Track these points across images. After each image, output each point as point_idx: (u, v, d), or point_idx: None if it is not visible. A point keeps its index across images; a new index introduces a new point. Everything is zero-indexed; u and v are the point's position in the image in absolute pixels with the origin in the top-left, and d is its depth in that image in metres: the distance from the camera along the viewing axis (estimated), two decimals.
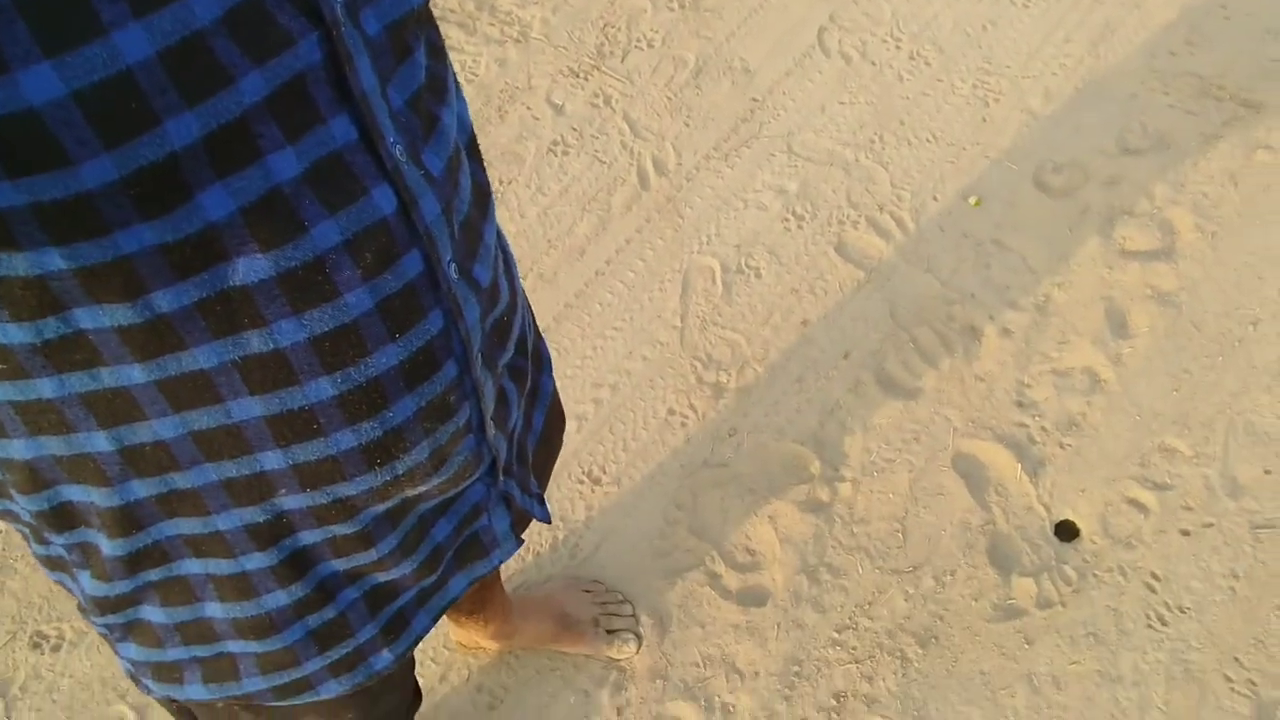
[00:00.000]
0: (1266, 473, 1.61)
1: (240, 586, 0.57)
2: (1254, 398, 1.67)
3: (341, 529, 0.57)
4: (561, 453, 1.78)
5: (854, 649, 1.57)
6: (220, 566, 0.56)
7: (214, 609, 0.58)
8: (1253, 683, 1.50)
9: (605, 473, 1.80)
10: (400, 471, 0.55)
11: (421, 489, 0.59)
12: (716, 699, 1.57)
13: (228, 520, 0.53)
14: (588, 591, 1.64)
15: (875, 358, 1.82)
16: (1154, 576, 1.57)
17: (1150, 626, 1.54)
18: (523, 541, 0.86)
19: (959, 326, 1.84)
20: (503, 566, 1.23)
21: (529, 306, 0.81)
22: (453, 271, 0.52)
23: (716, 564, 1.68)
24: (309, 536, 0.56)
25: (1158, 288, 1.81)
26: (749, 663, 1.59)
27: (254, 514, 0.53)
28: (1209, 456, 1.64)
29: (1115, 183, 1.93)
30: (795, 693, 1.56)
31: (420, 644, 0.89)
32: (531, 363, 0.76)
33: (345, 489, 0.54)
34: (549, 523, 0.96)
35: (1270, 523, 1.58)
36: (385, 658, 0.67)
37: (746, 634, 1.62)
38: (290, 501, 0.54)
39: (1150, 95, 2.03)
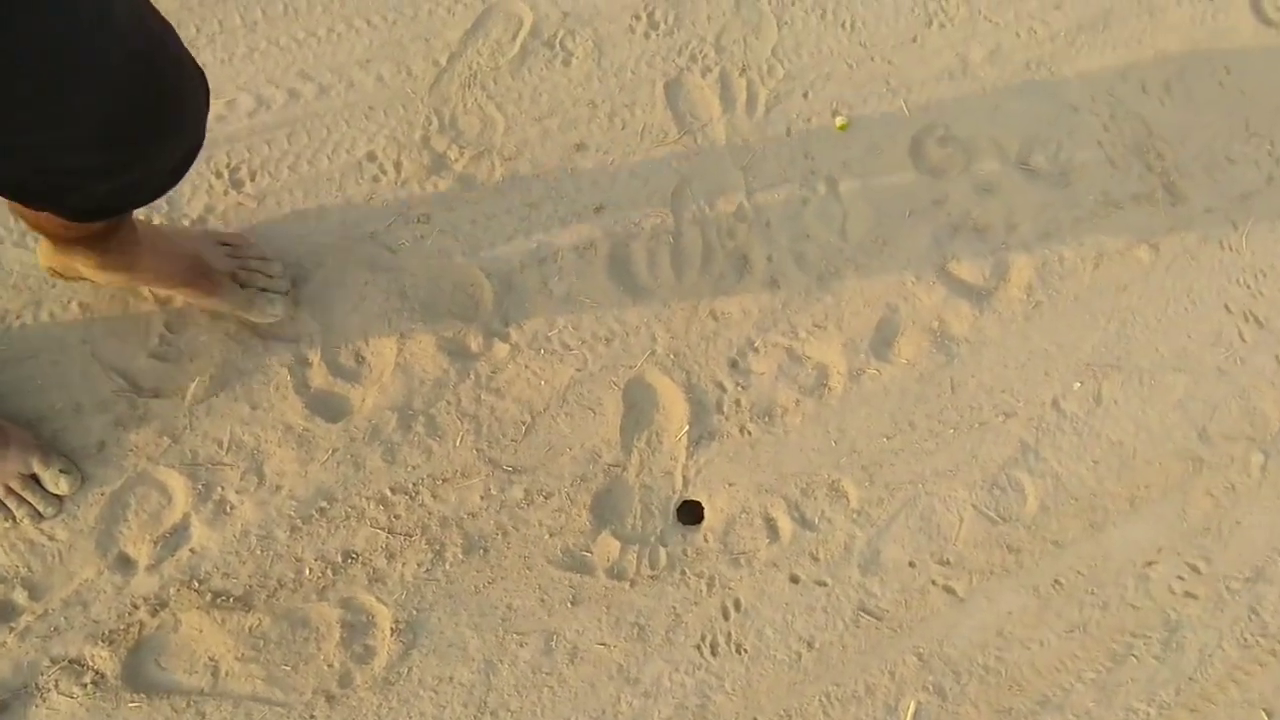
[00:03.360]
0: (910, 565, 1.57)
1: None
2: (951, 487, 1.59)
3: None
4: (214, 131, 1.52)
5: (397, 518, 1.46)
6: None
7: None
8: None
9: (251, 182, 1.55)
10: None
11: None
12: (218, 490, 1.43)
13: None
14: (225, 244, 1.50)
15: (627, 231, 1.63)
16: (736, 605, 1.52)
17: (699, 649, 1.50)
18: None
19: (732, 248, 1.65)
20: None
21: None
22: None
23: (314, 350, 1.50)
24: None
25: (947, 327, 1.68)
26: (278, 472, 1.45)
27: None
28: (870, 519, 1.57)
29: (989, 191, 1.75)
30: (306, 528, 1.44)
31: None
32: None
33: None
34: None
35: (878, 613, 1.55)
36: None
37: (296, 442, 1.46)
38: None
39: (1089, 118, 1.83)
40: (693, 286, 1.67)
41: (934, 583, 1.63)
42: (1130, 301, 1.80)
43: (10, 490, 1.36)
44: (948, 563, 1.63)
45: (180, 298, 1.47)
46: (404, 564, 1.49)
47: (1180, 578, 1.69)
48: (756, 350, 1.67)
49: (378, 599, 1.47)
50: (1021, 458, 1.69)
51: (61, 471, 1.38)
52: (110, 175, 0.96)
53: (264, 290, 1.49)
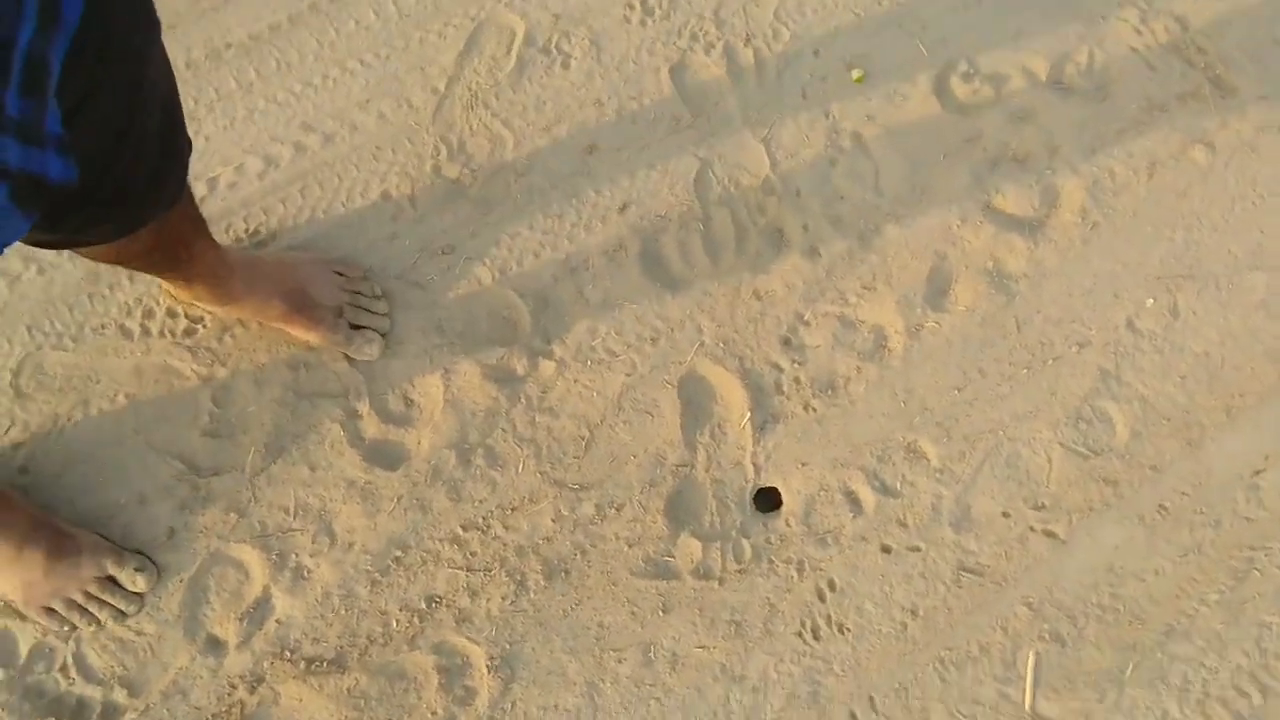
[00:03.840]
0: (1004, 515, 1.52)
1: None
2: (1035, 429, 1.55)
3: None
4: (228, 199, 1.54)
5: (473, 554, 1.45)
6: None
7: None
8: None
9: (274, 242, 1.55)
10: None
11: None
12: (293, 557, 1.44)
13: None
14: (340, 274, 1.52)
15: (654, 225, 1.60)
16: (830, 585, 1.49)
17: (800, 635, 1.47)
18: (34, 215, 0.66)
19: (764, 224, 1.61)
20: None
21: None
22: None
23: (361, 401, 1.50)
24: None
25: (1002, 265, 1.63)
26: (348, 529, 1.46)
27: None
28: (954, 476, 1.53)
29: (1024, 119, 1.69)
30: (386, 580, 1.44)
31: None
32: None
33: None
34: (72, 181, 0.74)
35: (979, 569, 1.51)
36: None
37: (360, 496, 1.47)
38: None
39: (1119, 25, 1.76)
40: (731, 269, 1.64)
41: (1032, 529, 1.58)
42: (1192, 206, 1.72)
43: (90, 595, 1.38)
44: (1043, 507, 1.59)
45: (284, 328, 1.52)
46: (488, 599, 1.49)
47: None
48: (807, 323, 1.63)
49: (469, 639, 1.47)
50: (1103, 386, 1.63)
51: (137, 570, 1.40)
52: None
53: (365, 328, 1.49)
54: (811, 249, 1.67)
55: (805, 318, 1.64)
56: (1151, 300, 1.68)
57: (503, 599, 1.51)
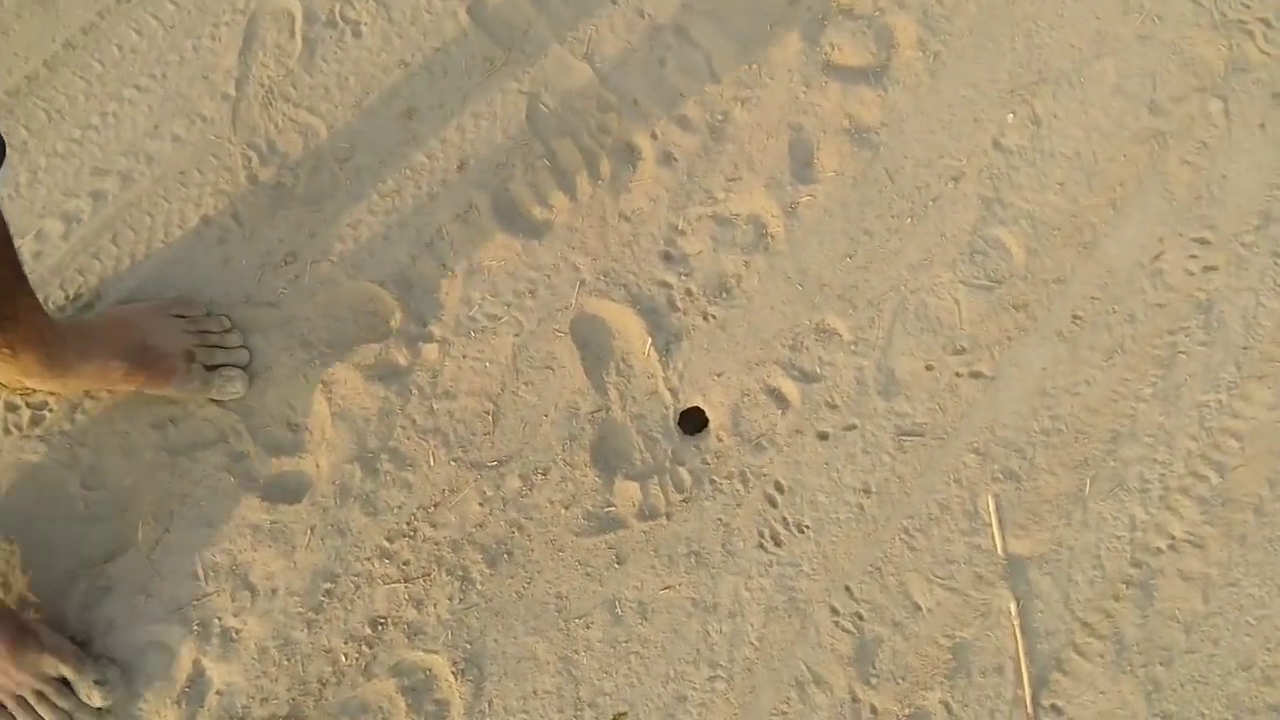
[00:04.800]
0: (928, 369, 1.52)
1: None
2: (934, 275, 1.54)
3: None
4: (36, 269, 1.44)
5: (406, 564, 1.39)
6: None
7: None
8: (860, 616, 1.46)
9: (101, 299, 1.45)
10: None
11: None
12: (215, 622, 1.36)
13: None
14: (180, 316, 1.44)
15: (499, 175, 1.54)
16: (777, 487, 1.47)
17: (762, 546, 1.45)
18: None
19: (612, 142, 1.56)
20: None
21: None
22: None
23: (243, 441, 1.41)
24: None
25: (858, 120, 1.61)
26: (266, 576, 1.38)
27: None
28: (869, 344, 1.52)
29: None
30: (322, 616, 1.38)
31: None
32: None
33: None
34: None
35: (918, 429, 1.50)
36: None
37: (270, 538, 1.39)
38: None
39: None
40: (591, 199, 1.59)
41: (958, 375, 1.58)
42: (1025, 10, 1.72)
43: (42, 697, 1.29)
44: (963, 350, 1.58)
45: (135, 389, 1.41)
46: (435, 605, 1.43)
47: (1192, 256, 1.65)
48: (683, 232, 1.59)
49: (426, 651, 1.42)
50: (988, 213, 1.63)
51: (96, 683, 1.33)
52: None
53: (223, 366, 1.40)
54: (666, 155, 1.62)
55: (679, 227, 1.60)
56: (1011, 115, 1.68)
57: (450, 600, 1.45)
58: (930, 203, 1.65)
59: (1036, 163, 1.68)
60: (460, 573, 1.46)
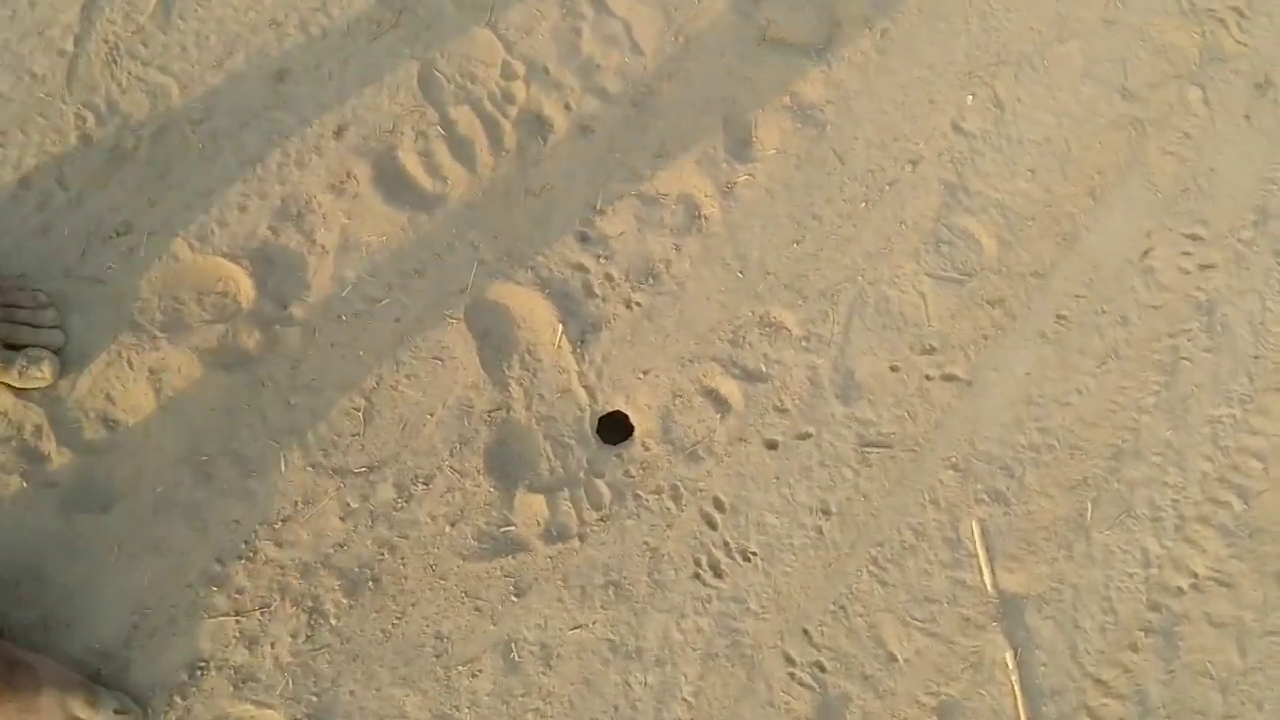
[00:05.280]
0: (893, 370, 1.26)
1: None
2: (895, 265, 1.31)
3: None
4: None
5: (240, 592, 1.07)
6: None
7: None
8: (821, 667, 1.16)
9: None
10: None
11: None
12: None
13: None
14: None
15: (383, 143, 1.32)
16: (717, 505, 1.19)
17: (698, 577, 1.15)
18: None
19: (518, 112, 1.33)
20: None
21: None
22: None
23: (43, 438, 1.11)
24: None
25: (800, 97, 1.40)
26: (62, 599, 1.03)
27: None
28: (823, 340, 1.26)
29: None
30: (128, 654, 1.02)
31: None
32: None
33: None
34: None
35: (884, 440, 1.24)
36: None
37: (66, 555, 1.05)
38: None
39: None
40: (494, 172, 1.36)
41: (928, 377, 1.33)
42: None
43: None
44: (932, 349, 1.34)
45: None
46: (274, 644, 1.10)
47: (1185, 253, 1.44)
48: (601, 211, 1.36)
49: (257, 703, 1.08)
50: (952, 200, 1.42)
51: (118, 713, 0.98)
52: None
53: (29, 347, 1.12)
54: (583, 128, 1.40)
55: (597, 205, 1.37)
56: (971, 96, 1.50)
57: (294, 638, 1.13)
58: (886, 187, 1.44)
59: (1003, 148, 1.48)
60: (310, 604, 1.14)
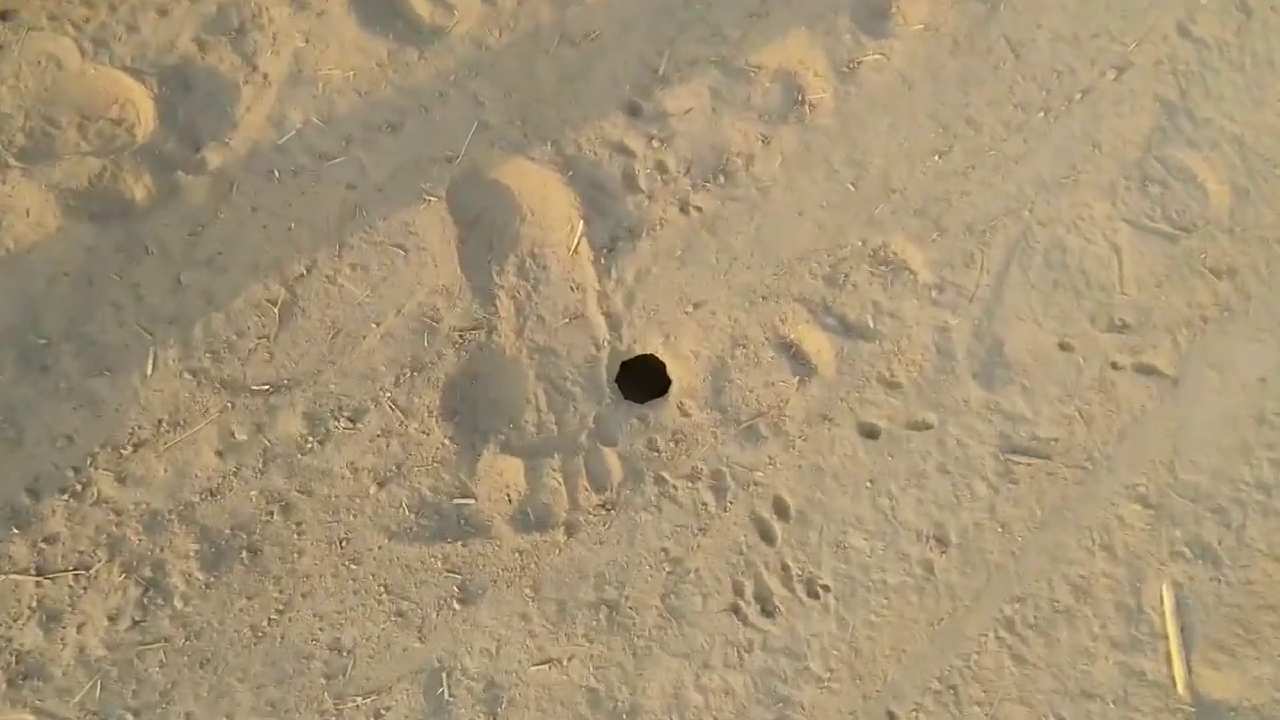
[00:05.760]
0: (1063, 348, 0.88)
1: None
2: (1077, 204, 0.93)
3: None
4: None
5: (50, 541, 0.82)
6: None
7: None
8: None
9: None
10: None
11: None
12: None
13: None
14: None
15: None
16: (779, 509, 0.93)
17: (737, 611, 0.84)
18: None
19: None
20: None
21: None
22: None
23: None
24: None
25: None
26: None
27: None
28: (963, 293, 0.89)
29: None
30: None
31: None
32: None
33: None
34: None
35: (1039, 447, 0.87)
36: None
37: None
38: None
39: None
40: (519, 4, 0.96)
41: (1115, 366, 0.90)
42: None
43: None
44: (1125, 326, 0.91)
45: None
46: (82, 625, 0.71)
47: None
48: (665, 79, 0.95)
49: (37, 712, 0.67)
50: (1170, 126, 1.00)
51: None
52: None
53: None
54: None
55: (659, 69, 0.96)
56: None
57: (113, 621, 0.74)
58: (1077, 96, 1.02)
59: (1245, 68, 1.05)
60: (149, 573, 0.76)
